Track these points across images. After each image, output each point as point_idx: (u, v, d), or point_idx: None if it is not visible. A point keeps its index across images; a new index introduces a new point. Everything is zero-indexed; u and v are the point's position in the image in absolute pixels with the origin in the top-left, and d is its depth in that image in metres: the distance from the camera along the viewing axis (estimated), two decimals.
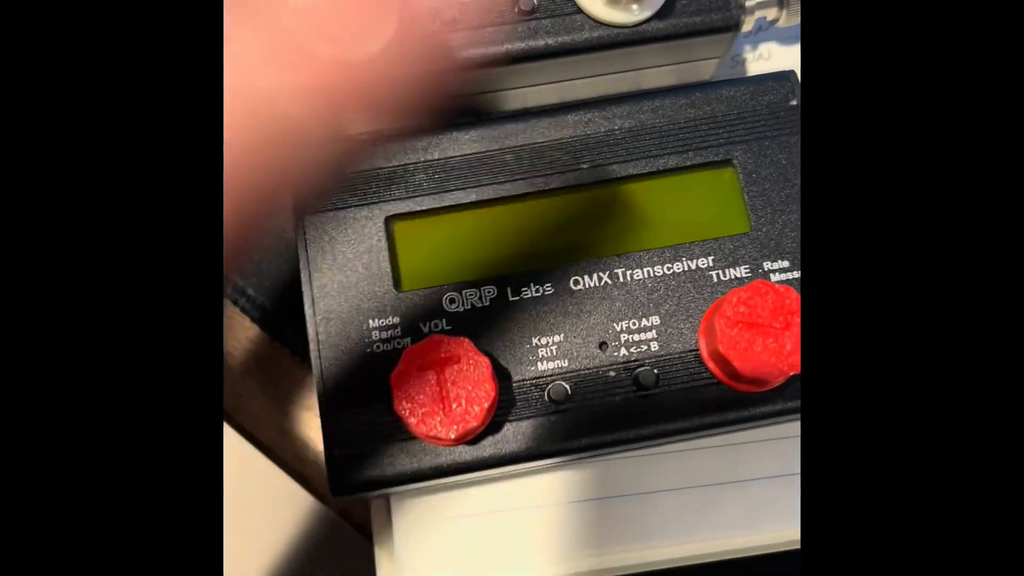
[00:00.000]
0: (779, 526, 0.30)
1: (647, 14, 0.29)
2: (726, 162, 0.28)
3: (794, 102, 0.29)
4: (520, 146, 0.28)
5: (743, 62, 0.34)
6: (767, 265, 0.27)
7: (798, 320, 0.24)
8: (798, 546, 0.30)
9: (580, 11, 0.29)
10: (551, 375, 0.26)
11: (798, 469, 0.30)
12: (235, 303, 0.32)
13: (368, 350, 0.26)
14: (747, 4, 0.31)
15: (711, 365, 0.26)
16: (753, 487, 0.30)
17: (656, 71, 0.32)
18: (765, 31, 0.35)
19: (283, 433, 0.32)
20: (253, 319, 0.32)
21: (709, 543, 0.29)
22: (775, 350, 0.24)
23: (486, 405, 0.23)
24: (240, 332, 0.33)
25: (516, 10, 0.29)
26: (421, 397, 0.23)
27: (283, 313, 0.32)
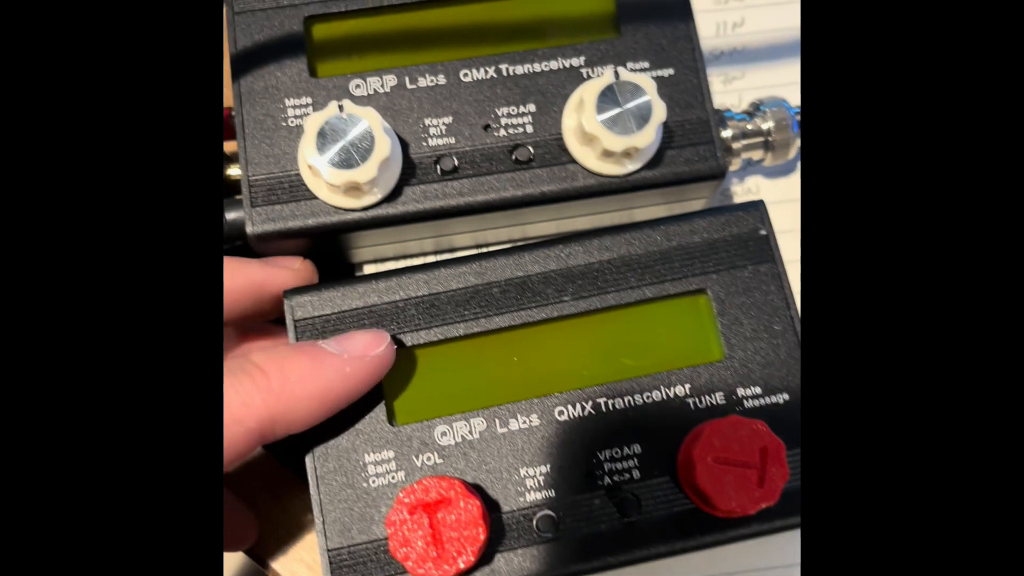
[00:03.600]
0: None
1: (638, 165, 0.31)
2: (700, 291, 0.30)
3: (763, 232, 0.30)
4: (506, 280, 0.30)
5: (732, 196, 0.36)
6: (741, 392, 0.29)
7: (770, 454, 0.26)
8: None
9: (574, 161, 0.31)
10: (539, 505, 0.27)
11: (787, 561, 0.32)
12: None
13: (364, 484, 0.27)
14: (734, 147, 0.33)
15: (690, 492, 0.27)
16: None
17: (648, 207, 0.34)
18: (753, 166, 0.37)
19: (280, 544, 0.33)
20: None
21: None
22: (749, 485, 0.26)
23: (477, 547, 0.25)
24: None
25: (513, 159, 0.31)
26: (415, 540, 0.25)
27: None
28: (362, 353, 0.27)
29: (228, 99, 0.37)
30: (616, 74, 0.29)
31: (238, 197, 0.33)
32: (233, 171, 0.34)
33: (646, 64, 0.32)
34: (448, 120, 0.31)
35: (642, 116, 0.29)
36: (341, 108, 0.29)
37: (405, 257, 0.36)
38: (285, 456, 0.34)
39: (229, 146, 0.35)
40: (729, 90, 0.37)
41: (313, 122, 0.29)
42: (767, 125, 0.33)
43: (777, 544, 0.32)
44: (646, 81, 0.29)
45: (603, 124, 0.29)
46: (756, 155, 0.33)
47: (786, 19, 0.37)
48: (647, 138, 0.29)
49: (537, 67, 0.32)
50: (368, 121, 0.29)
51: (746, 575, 0.32)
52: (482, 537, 0.25)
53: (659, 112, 0.29)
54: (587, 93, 0.29)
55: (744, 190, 0.36)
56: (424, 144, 0.31)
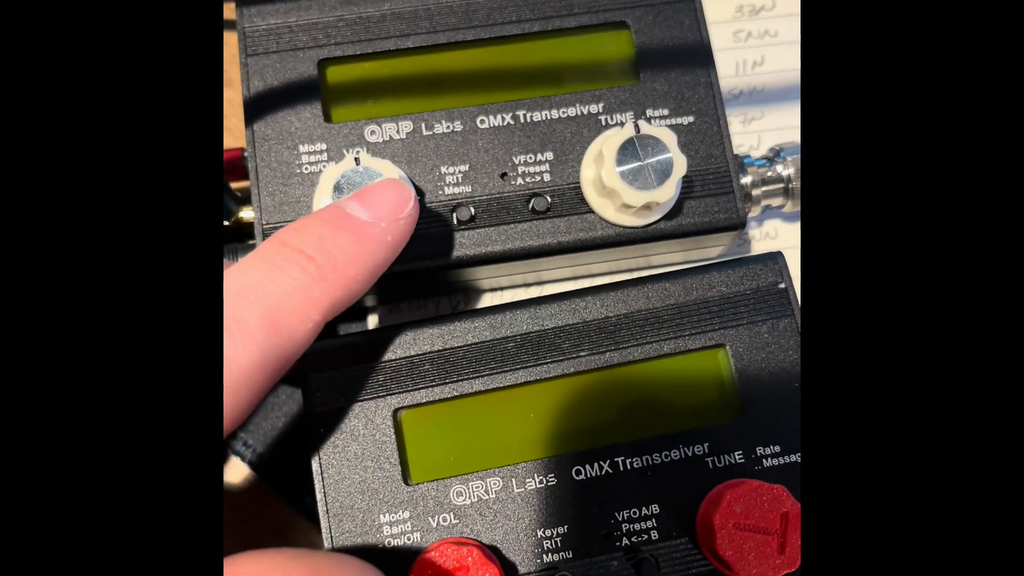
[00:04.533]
0: None
1: (656, 217, 0.30)
2: (719, 346, 0.29)
3: (782, 285, 0.30)
4: (522, 334, 0.29)
5: (749, 240, 0.36)
6: (760, 450, 0.28)
7: (791, 520, 0.25)
8: None
9: (592, 211, 0.30)
10: (556, 566, 0.27)
11: None
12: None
13: (380, 545, 0.27)
14: (754, 193, 0.32)
15: (709, 556, 0.27)
16: None
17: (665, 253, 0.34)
18: (772, 210, 0.36)
19: None
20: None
21: None
22: (770, 552, 0.25)
23: None
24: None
25: (530, 208, 0.30)
26: None
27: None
28: (394, 216, 0.26)
29: (242, 140, 0.36)
30: (636, 127, 0.29)
31: (251, 242, 0.33)
32: (246, 214, 0.34)
33: (665, 111, 0.31)
34: (465, 168, 0.31)
35: (663, 171, 0.29)
36: (358, 161, 0.29)
37: (418, 299, 0.35)
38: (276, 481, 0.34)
39: (244, 185, 0.34)
40: (748, 131, 0.37)
41: (329, 175, 0.28)
42: (787, 172, 0.33)
43: None
44: (666, 134, 0.29)
45: (623, 178, 0.29)
46: (776, 202, 0.33)
47: None
48: (667, 193, 0.29)
49: (555, 114, 0.31)
50: (385, 175, 0.28)
51: None
52: None
53: (680, 167, 0.29)
54: (607, 147, 0.29)
55: (762, 234, 0.36)
56: (440, 192, 0.31)
